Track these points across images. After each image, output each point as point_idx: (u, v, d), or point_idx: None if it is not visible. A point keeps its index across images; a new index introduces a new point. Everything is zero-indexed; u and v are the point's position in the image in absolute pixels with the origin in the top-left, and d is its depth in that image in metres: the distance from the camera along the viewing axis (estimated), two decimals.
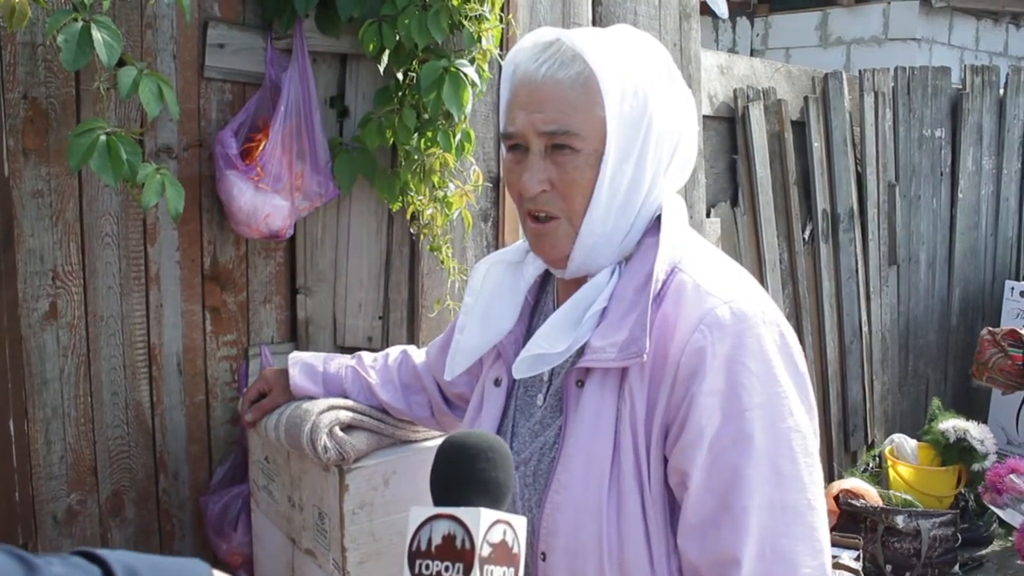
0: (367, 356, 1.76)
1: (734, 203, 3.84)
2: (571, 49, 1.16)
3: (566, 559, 1.16)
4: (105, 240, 1.88)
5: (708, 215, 3.52)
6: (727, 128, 3.87)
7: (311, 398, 1.69)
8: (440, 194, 2.04)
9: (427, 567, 0.84)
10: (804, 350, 4.08)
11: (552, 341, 1.20)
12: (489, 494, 0.88)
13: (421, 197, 2.04)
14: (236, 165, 1.93)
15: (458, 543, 0.84)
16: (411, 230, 2.12)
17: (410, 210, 2.06)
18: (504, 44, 2.23)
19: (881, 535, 3.63)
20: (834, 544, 3.33)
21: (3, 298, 1.74)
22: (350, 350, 2.01)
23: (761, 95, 3.92)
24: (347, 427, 1.65)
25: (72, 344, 1.86)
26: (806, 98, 4.16)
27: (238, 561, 2.01)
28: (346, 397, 1.68)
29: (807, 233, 4.17)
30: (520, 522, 0.88)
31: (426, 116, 2.05)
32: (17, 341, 1.77)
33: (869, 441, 4.55)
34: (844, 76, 4.32)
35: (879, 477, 4.20)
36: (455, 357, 1.35)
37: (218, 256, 2.05)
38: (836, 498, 3.75)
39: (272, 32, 2.04)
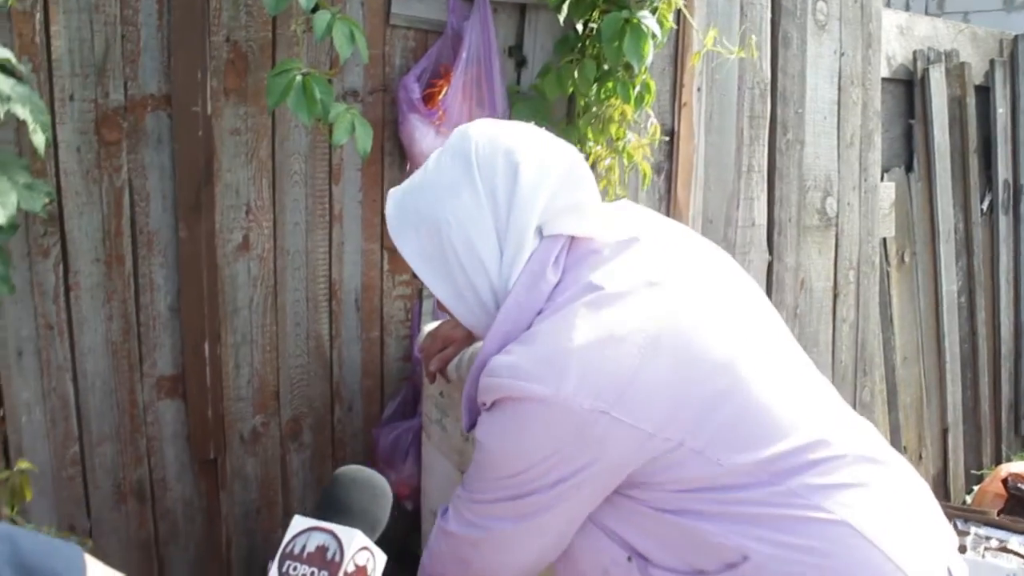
0: None
1: (908, 169, 3.70)
2: None
3: None
4: (294, 178, 1.98)
5: (882, 179, 3.39)
6: (904, 91, 3.71)
7: None
8: (619, 145, 2.05)
9: (295, 568, 0.93)
10: (975, 326, 3.94)
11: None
12: (366, 524, 0.98)
13: (599, 147, 2.06)
14: (419, 109, 1.98)
15: (329, 554, 0.93)
16: None
17: (590, 159, 2.08)
18: None
19: None
20: (1002, 527, 3.20)
21: (203, 229, 1.86)
22: None
23: (943, 57, 3.74)
24: None
25: (261, 275, 1.96)
26: (992, 61, 3.95)
27: (406, 492, 2.10)
28: None
29: (985, 204, 3.97)
30: (382, 559, 0.97)
31: (605, 67, 2.05)
32: (214, 269, 1.88)
33: None
34: None
35: None
36: None
37: None
38: (1004, 481, 3.58)
39: None
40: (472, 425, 1.43)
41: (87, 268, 1.78)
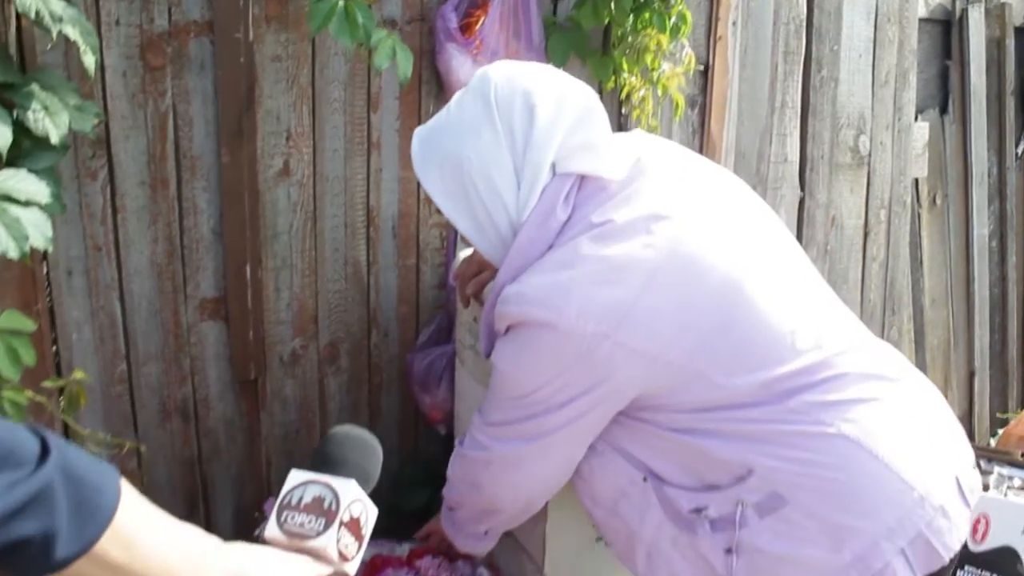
0: None
1: (943, 110, 3.67)
2: None
3: None
4: (333, 105, 2.00)
5: (916, 120, 3.37)
6: (941, 32, 3.66)
7: None
8: (654, 75, 2.06)
9: (293, 517, 0.96)
10: (1006, 271, 3.92)
11: None
12: (360, 478, 1.00)
13: (633, 78, 2.07)
14: (456, 39, 2.00)
15: (326, 504, 0.96)
16: (623, 110, 2.15)
17: (625, 90, 2.09)
18: None
19: None
20: None
21: (245, 154, 1.89)
22: None
23: None
24: None
25: (301, 201, 2.00)
26: None
27: (439, 416, 2.15)
28: None
29: (1021, 148, 3.93)
30: (374, 512, 1.00)
31: None
32: (255, 194, 1.92)
33: None
34: None
35: None
36: None
37: None
38: None
39: None
40: (490, 350, 1.50)
41: (133, 191, 1.83)
